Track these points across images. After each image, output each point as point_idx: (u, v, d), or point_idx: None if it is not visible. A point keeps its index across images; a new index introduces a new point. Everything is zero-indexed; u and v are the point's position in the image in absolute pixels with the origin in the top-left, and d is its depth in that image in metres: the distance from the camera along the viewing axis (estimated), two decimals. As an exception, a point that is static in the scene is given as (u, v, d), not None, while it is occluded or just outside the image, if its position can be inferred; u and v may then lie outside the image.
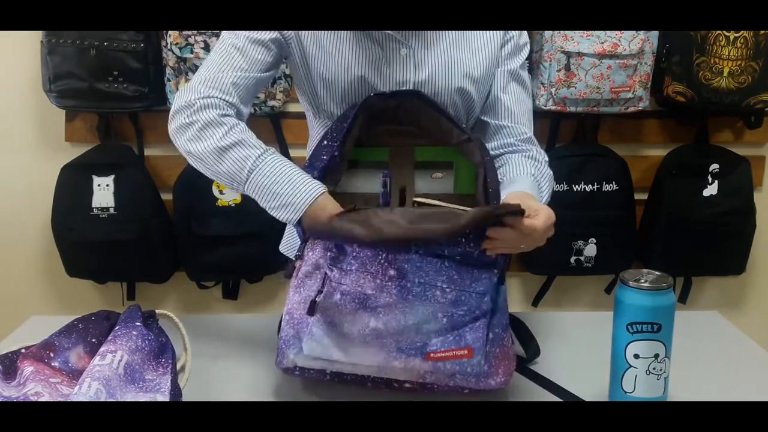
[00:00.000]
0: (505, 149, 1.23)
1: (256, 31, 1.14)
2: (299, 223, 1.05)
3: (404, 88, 1.15)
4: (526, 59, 1.27)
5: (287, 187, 1.04)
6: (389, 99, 1.12)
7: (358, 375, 1.05)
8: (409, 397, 1.07)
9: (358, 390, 1.07)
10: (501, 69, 1.23)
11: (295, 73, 1.22)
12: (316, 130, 1.25)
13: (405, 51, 1.16)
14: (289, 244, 1.35)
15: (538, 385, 1.13)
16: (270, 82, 1.24)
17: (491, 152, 1.22)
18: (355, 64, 1.15)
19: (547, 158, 1.24)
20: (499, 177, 1.16)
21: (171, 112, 1.13)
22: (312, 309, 1.01)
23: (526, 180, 1.15)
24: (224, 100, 1.11)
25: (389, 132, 1.14)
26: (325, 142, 1.11)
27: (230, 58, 1.13)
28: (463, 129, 1.11)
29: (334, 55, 1.15)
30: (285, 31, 1.16)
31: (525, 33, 1.26)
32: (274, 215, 1.06)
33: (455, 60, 1.18)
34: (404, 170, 1.15)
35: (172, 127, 1.12)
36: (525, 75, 1.26)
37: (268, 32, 1.15)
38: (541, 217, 1.00)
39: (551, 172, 1.24)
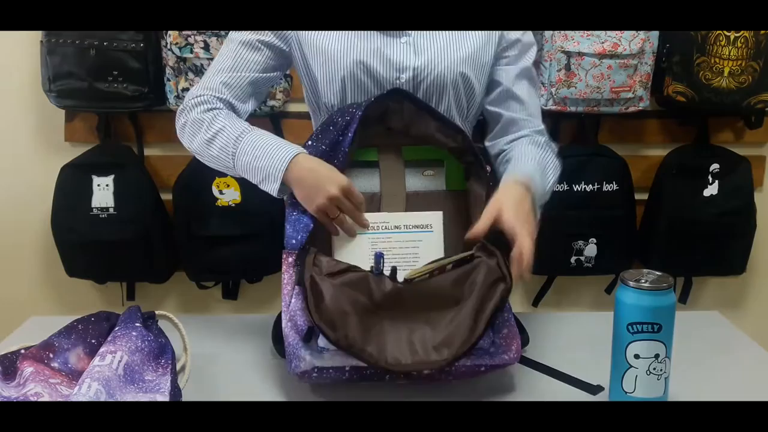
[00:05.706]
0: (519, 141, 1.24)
1: (251, 33, 1.18)
2: (288, 193, 1.09)
3: (394, 87, 1.16)
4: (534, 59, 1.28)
5: (265, 160, 1.08)
6: (377, 104, 1.12)
7: (376, 370, 1.00)
8: (427, 385, 1.07)
9: (360, 389, 1.07)
10: (513, 67, 1.24)
11: (297, 71, 1.25)
12: None
13: (405, 39, 1.18)
14: None
15: (544, 373, 1.13)
16: (272, 82, 1.27)
17: (505, 146, 1.24)
18: (353, 48, 1.16)
19: (555, 149, 1.25)
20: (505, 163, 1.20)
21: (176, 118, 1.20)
22: (309, 336, 1.02)
23: (530, 164, 1.16)
24: (214, 96, 1.17)
25: (378, 133, 1.15)
26: (309, 143, 1.12)
27: (223, 61, 1.20)
28: (455, 129, 1.13)
29: (333, 40, 1.17)
30: (284, 32, 1.19)
31: (529, 32, 1.26)
32: (264, 190, 1.10)
33: (455, 46, 1.19)
34: (394, 170, 1.15)
35: (177, 130, 1.21)
36: (534, 73, 1.28)
37: (261, 34, 1.18)
38: (523, 238, 1.02)
39: (558, 162, 1.24)
